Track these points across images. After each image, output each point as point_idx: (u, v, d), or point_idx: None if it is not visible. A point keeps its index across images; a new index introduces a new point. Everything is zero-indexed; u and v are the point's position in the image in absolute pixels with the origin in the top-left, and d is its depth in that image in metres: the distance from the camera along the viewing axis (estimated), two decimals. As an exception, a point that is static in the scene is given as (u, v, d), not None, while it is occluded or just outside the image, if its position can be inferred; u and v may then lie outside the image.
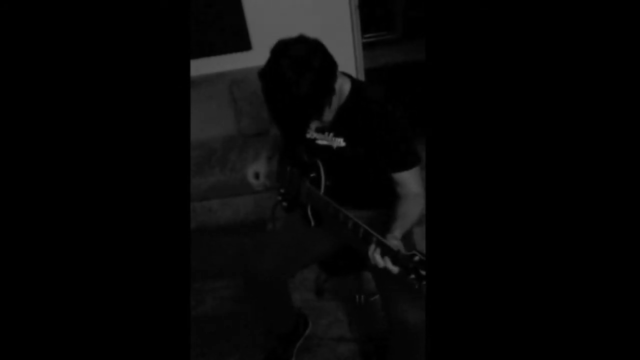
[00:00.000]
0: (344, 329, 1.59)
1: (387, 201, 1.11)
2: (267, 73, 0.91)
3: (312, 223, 1.20)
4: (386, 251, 0.89)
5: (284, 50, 0.89)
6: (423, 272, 0.81)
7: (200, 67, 2.36)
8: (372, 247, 0.90)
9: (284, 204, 1.32)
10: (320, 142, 1.12)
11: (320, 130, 1.09)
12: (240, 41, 2.37)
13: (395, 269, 0.86)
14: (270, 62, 0.90)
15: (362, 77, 2.53)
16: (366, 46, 2.70)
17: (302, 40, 0.91)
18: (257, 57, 2.54)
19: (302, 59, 0.87)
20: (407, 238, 1.18)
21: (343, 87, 1.04)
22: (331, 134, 1.09)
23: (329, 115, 0.99)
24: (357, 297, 1.59)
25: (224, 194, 2.12)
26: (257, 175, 1.31)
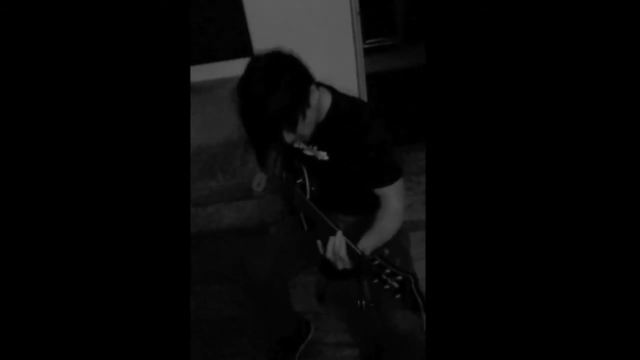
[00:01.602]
0: (346, 333, 1.58)
1: (371, 208, 1.12)
2: (239, 88, 0.92)
3: (305, 227, 1.21)
4: (351, 254, 0.91)
5: (255, 66, 0.91)
6: (384, 277, 0.83)
7: (202, 73, 2.37)
8: (319, 243, 0.97)
9: (287, 208, 1.33)
10: (306, 152, 1.14)
11: (305, 142, 1.11)
12: (242, 47, 2.38)
13: (346, 259, 0.94)
14: (243, 77, 0.92)
15: (363, 82, 2.54)
16: (367, 52, 2.70)
17: (274, 54, 0.93)
18: (259, 62, 2.56)
19: (272, 73, 0.89)
20: (402, 246, 1.19)
21: (323, 101, 1.04)
22: (315, 147, 1.10)
23: (305, 128, 0.99)
24: (358, 302, 1.58)
25: (226, 198, 2.13)
26: (259, 184, 1.34)
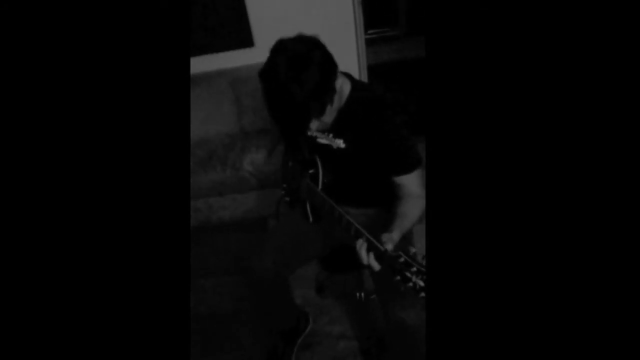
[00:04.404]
0: (345, 326, 1.59)
1: (386, 201, 1.10)
2: (266, 73, 0.89)
3: (311, 219, 1.20)
4: (374, 250, 0.90)
5: (282, 49, 0.89)
6: (408, 274, 0.82)
7: (202, 64, 2.36)
8: (360, 241, 0.93)
9: (287, 199, 1.32)
10: (320, 140, 1.11)
11: (320, 129, 1.09)
12: (243, 38, 2.36)
13: (377, 266, 0.90)
14: (269, 62, 0.89)
15: (365, 73, 2.52)
16: (369, 42, 2.68)
17: (301, 39, 0.90)
18: (259, 54, 2.50)
19: (301, 57, 0.87)
20: (406, 237, 1.18)
21: (343, 87, 1.02)
22: (331, 135, 1.08)
23: (330, 115, 0.97)
24: (357, 294, 1.59)
25: (226, 191, 2.12)
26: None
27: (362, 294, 1.59)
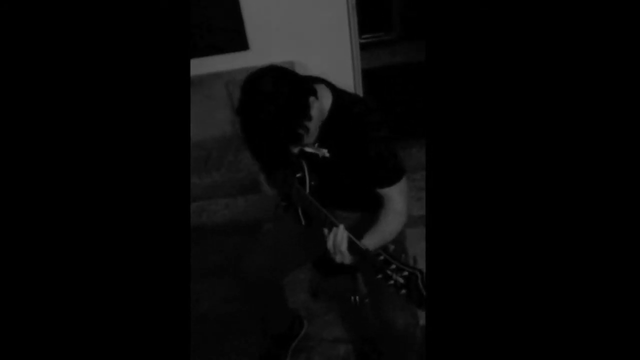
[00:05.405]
0: (339, 329, 1.59)
1: (371, 205, 1.11)
2: (240, 111, 0.92)
3: (303, 222, 1.20)
4: (355, 250, 0.90)
5: (251, 86, 0.91)
6: (389, 272, 0.82)
7: (196, 67, 2.35)
8: (326, 231, 0.97)
9: (283, 203, 1.32)
10: (307, 149, 1.12)
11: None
12: (238, 41, 2.36)
13: (346, 254, 0.94)
14: (241, 100, 0.92)
15: (359, 77, 2.53)
16: (364, 47, 2.69)
17: (269, 72, 0.91)
18: (254, 57, 2.52)
19: (269, 94, 0.88)
20: (399, 241, 1.18)
21: (324, 103, 1.03)
22: (316, 144, 1.09)
23: (312, 136, 1.00)
24: (352, 298, 1.59)
25: (220, 194, 2.12)
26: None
27: (357, 298, 1.59)
